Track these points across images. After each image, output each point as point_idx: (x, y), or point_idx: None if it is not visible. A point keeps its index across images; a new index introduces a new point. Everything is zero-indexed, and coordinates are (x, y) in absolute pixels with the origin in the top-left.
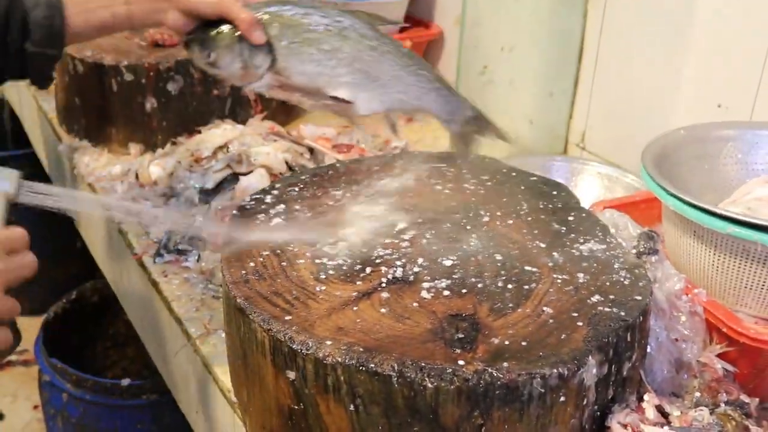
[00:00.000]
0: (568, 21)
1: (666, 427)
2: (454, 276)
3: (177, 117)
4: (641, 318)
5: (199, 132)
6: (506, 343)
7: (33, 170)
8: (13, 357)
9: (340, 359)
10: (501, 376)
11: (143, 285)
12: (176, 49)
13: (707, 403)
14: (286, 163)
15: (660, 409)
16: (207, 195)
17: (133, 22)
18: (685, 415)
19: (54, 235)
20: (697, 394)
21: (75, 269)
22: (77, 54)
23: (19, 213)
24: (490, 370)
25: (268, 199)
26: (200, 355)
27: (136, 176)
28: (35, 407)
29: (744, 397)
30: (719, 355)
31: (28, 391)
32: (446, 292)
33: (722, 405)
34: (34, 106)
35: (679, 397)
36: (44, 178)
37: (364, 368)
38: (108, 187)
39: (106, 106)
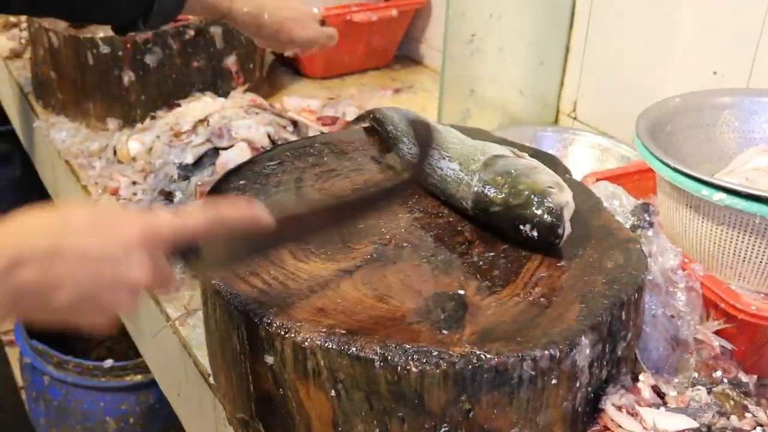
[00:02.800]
0: None
1: (662, 408)
2: (439, 252)
3: (156, 90)
4: (636, 295)
5: (179, 105)
6: (495, 323)
7: (11, 147)
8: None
9: (319, 343)
10: (489, 358)
11: None
12: None
13: (704, 382)
14: (269, 136)
15: (656, 389)
16: (186, 170)
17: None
18: (682, 395)
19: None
20: (695, 373)
21: None
22: (51, 26)
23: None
24: (477, 352)
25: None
26: (179, 337)
27: (114, 152)
28: (20, 388)
29: (742, 375)
30: (716, 332)
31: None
32: (432, 270)
33: (720, 383)
34: (10, 80)
35: (677, 373)
36: (23, 156)
37: (345, 352)
38: (86, 163)
39: (83, 80)
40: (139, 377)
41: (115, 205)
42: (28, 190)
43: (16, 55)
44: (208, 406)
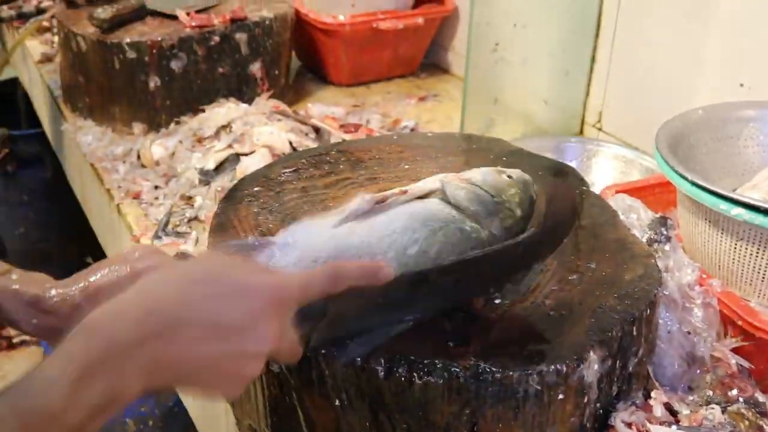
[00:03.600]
0: None
1: (674, 426)
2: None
3: (181, 95)
4: (648, 310)
5: (203, 111)
6: (502, 336)
7: (43, 150)
8: (26, 337)
9: (324, 351)
10: (495, 372)
11: None
12: (178, 26)
13: (719, 400)
14: (290, 143)
15: (668, 407)
16: (207, 175)
17: None
18: (695, 414)
19: (61, 213)
20: (710, 391)
21: (83, 248)
22: (80, 31)
23: (25, 191)
24: (483, 365)
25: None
26: None
27: (138, 156)
28: None
29: (759, 395)
30: (734, 350)
31: None
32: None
33: (735, 402)
34: (42, 84)
35: (692, 391)
36: (53, 158)
37: (349, 361)
38: (110, 167)
39: (110, 85)
40: None
41: (240, 271)
42: (59, 191)
43: (47, 59)
44: (220, 411)
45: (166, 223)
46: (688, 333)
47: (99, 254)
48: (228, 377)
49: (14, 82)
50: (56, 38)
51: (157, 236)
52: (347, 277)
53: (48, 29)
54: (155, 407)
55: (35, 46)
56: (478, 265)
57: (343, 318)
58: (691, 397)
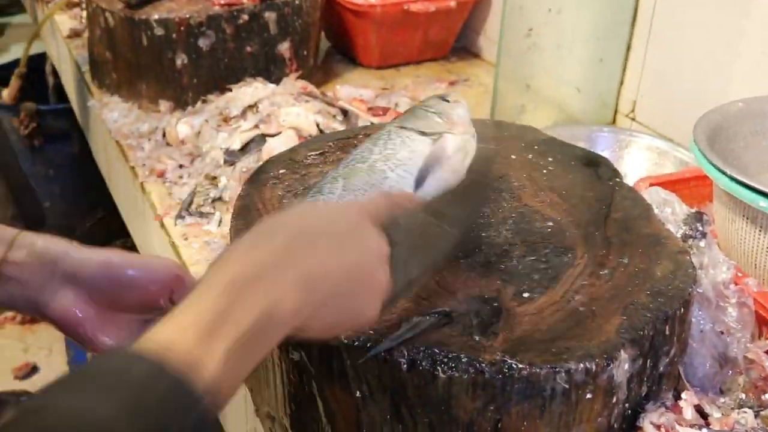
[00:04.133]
0: None
1: (704, 430)
2: (478, 254)
3: (208, 74)
4: (682, 309)
5: (230, 90)
6: (530, 331)
7: (70, 125)
8: None
9: (346, 341)
10: (521, 368)
11: (163, 247)
12: (207, 3)
13: (752, 404)
14: (317, 125)
15: (699, 409)
16: (233, 156)
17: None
18: (727, 417)
19: (87, 188)
20: (742, 394)
21: (108, 224)
22: (108, 6)
23: (52, 165)
24: (509, 361)
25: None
26: None
27: (164, 134)
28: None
29: None
30: None
31: (62, 346)
32: (469, 271)
33: None
34: (70, 59)
35: (723, 394)
36: (80, 134)
37: (371, 353)
38: (135, 144)
39: (137, 61)
40: None
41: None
42: (86, 167)
43: (76, 34)
44: (239, 397)
45: (190, 203)
46: (722, 333)
47: (124, 232)
48: (366, 285)
49: (43, 57)
50: (85, 13)
51: (180, 216)
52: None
53: (77, 4)
54: None
55: (64, 21)
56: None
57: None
58: (722, 400)
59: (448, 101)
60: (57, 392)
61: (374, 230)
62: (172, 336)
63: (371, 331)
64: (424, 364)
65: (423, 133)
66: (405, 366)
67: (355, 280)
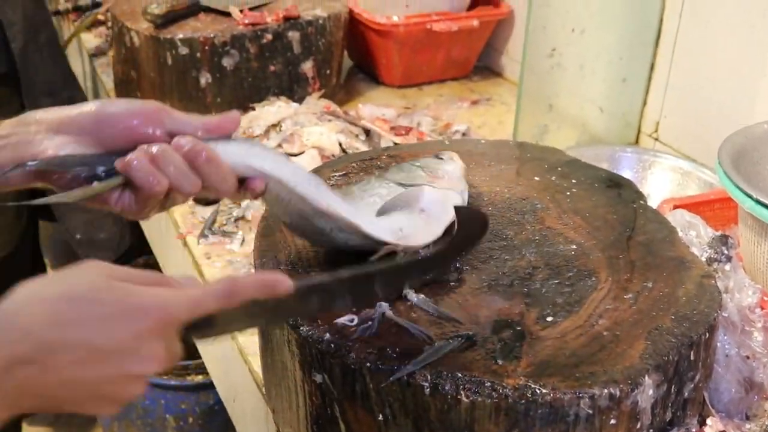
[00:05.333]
0: (645, 1)
1: None
2: (502, 277)
3: (232, 93)
4: (707, 334)
5: (254, 109)
6: (553, 355)
7: None
8: None
9: (369, 364)
10: (545, 393)
11: (186, 266)
12: (231, 23)
13: None
14: (340, 144)
15: None
16: None
17: None
18: None
19: None
20: None
21: (132, 242)
22: (133, 25)
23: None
24: (533, 386)
25: None
26: (237, 344)
27: None
28: None
29: None
30: None
31: None
32: (492, 295)
33: None
34: (94, 77)
35: (749, 420)
36: None
37: (394, 377)
38: None
39: (161, 80)
40: (200, 378)
41: (125, 287)
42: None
43: (101, 52)
44: (260, 415)
45: (213, 222)
46: (747, 358)
47: (145, 249)
48: (106, 399)
49: None
50: (110, 32)
51: (203, 235)
52: (243, 293)
53: (103, 23)
54: (195, 405)
55: (90, 39)
56: (378, 276)
57: (231, 325)
58: (748, 426)
59: (441, 159)
60: None
61: (153, 347)
62: None
63: (394, 355)
64: (447, 388)
65: (401, 185)
66: (428, 390)
67: (87, 393)
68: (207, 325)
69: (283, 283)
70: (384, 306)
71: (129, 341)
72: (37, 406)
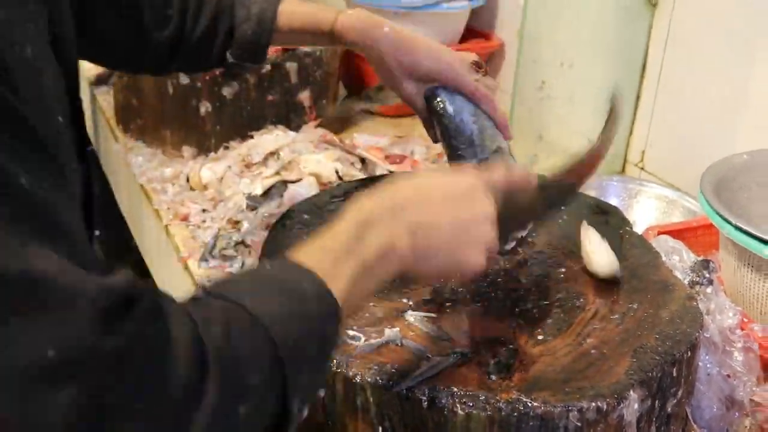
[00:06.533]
0: (631, 36)
1: None
2: (494, 298)
3: (231, 121)
4: (689, 352)
5: (252, 137)
6: (544, 372)
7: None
8: None
9: (369, 379)
10: (536, 406)
11: (187, 289)
12: None
13: None
14: (336, 172)
15: None
16: (255, 201)
17: (336, 27)
18: None
19: (108, 231)
20: None
21: (125, 262)
22: None
23: None
24: (524, 399)
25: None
26: None
27: (187, 179)
28: None
29: None
30: None
31: None
32: (486, 315)
33: None
34: (95, 104)
35: None
36: (101, 175)
37: (394, 390)
38: (159, 188)
39: (162, 108)
40: None
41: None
42: (105, 208)
43: (101, 81)
44: None
45: (213, 246)
46: (728, 376)
47: (143, 270)
48: (471, 240)
49: None
50: None
51: (203, 259)
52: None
53: None
54: None
55: (91, 68)
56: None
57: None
58: None
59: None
60: (244, 292)
61: (484, 196)
62: (315, 260)
63: (394, 370)
64: (443, 401)
65: None
66: (425, 403)
67: (460, 234)
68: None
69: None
70: (395, 331)
71: (470, 189)
72: (425, 241)
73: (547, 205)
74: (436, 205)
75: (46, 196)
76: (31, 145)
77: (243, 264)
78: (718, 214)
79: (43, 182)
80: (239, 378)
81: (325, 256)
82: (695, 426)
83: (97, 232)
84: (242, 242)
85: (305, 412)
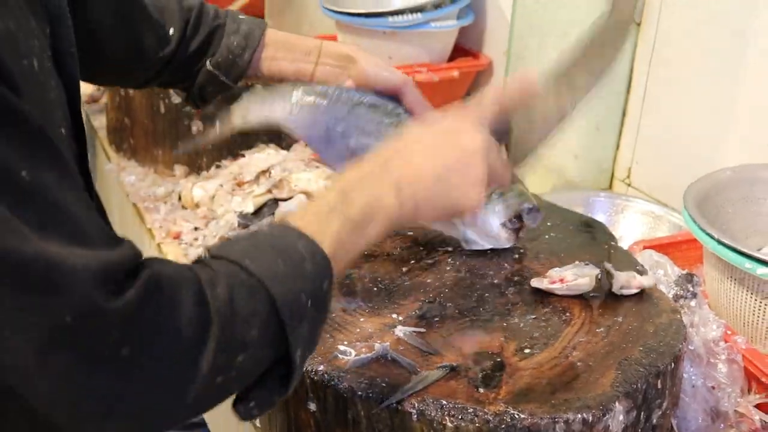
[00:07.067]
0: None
1: None
2: (482, 312)
3: (222, 140)
4: (673, 364)
5: (243, 156)
6: (531, 384)
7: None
8: None
9: (360, 393)
10: (523, 418)
11: None
12: None
13: None
14: None
15: None
16: (246, 219)
17: (313, 80)
18: None
19: None
20: None
21: None
22: None
23: None
24: (512, 411)
25: None
26: None
27: (179, 198)
28: None
29: None
30: (757, 406)
31: None
32: (473, 329)
33: None
34: (87, 124)
35: None
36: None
37: (384, 404)
38: (151, 207)
39: (154, 128)
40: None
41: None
42: None
43: (94, 100)
44: None
45: None
46: (713, 388)
47: None
48: (460, 180)
49: None
50: None
51: None
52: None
53: None
54: None
55: (83, 87)
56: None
57: (525, 127)
58: None
59: None
60: (245, 253)
61: (472, 131)
62: (302, 222)
63: (384, 384)
64: (432, 414)
65: None
66: (415, 416)
67: (449, 177)
68: (504, 131)
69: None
70: (385, 345)
71: (454, 126)
72: (414, 192)
73: (559, 108)
74: (420, 155)
75: (46, 184)
76: (38, 141)
77: None
78: (701, 229)
79: (45, 173)
80: (238, 334)
81: (314, 217)
82: None
83: None
84: None
85: (306, 362)
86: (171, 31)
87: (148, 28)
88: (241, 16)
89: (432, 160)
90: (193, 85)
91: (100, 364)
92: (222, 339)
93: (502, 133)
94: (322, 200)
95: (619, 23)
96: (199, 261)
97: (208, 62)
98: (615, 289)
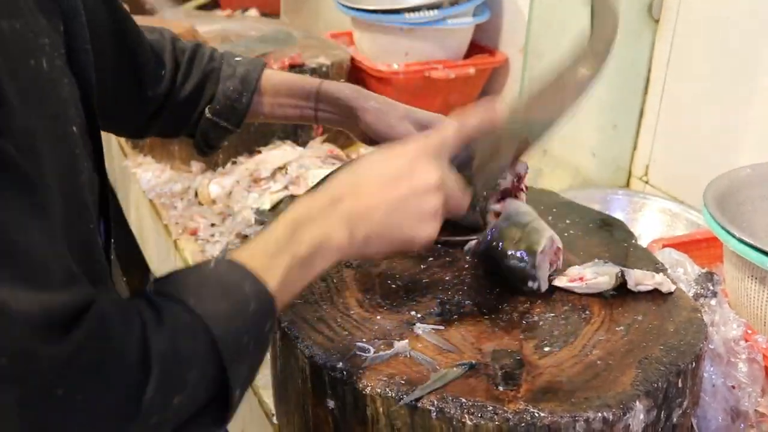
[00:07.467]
0: (634, 52)
1: None
2: (502, 310)
3: (238, 136)
4: (694, 363)
5: (260, 152)
6: (550, 382)
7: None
8: None
9: (379, 391)
10: (543, 417)
11: None
12: None
13: None
14: None
15: None
16: (263, 215)
17: (317, 123)
18: None
19: (117, 239)
20: None
21: (130, 273)
22: None
23: None
24: (531, 410)
25: None
26: None
27: (196, 194)
28: None
29: None
30: None
31: None
32: (492, 327)
33: None
34: None
35: None
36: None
37: (403, 401)
38: (168, 203)
39: None
40: None
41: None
42: (113, 224)
43: None
44: None
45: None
46: (733, 387)
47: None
48: (413, 215)
49: None
50: None
51: None
52: (474, 122)
53: None
54: None
55: None
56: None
57: (487, 156)
58: None
59: None
60: (189, 292)
61: (426, 164)
62: (251, 260)
63: (402, 381)
64: (452, 412)
65: None
66: (434, 414)
67: (401, 211)
68: (467, 158)
69: (496, 106)
70: (404, 343)
71: (407, 165)
72: (365, 229)
73: (522, 138)
74: (372, 190)
75: (4, 222)
76: (4, 177)
77: None
78: (721, 227)
79: (4, 211)
80: (178, 375)
81: (262, 255)
82: None
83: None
84: None
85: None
86: (162, 71)
87: (144, 63)
88: (237, 58)
89: (384, 194)
90: (196, 133)
91: (39, 403)
92: (162, 380)
93: (464, 162)
94: (270, 236)
95: (599, 45)
96: (145, 296)
97: (207, 110)
98: (630, 285)
